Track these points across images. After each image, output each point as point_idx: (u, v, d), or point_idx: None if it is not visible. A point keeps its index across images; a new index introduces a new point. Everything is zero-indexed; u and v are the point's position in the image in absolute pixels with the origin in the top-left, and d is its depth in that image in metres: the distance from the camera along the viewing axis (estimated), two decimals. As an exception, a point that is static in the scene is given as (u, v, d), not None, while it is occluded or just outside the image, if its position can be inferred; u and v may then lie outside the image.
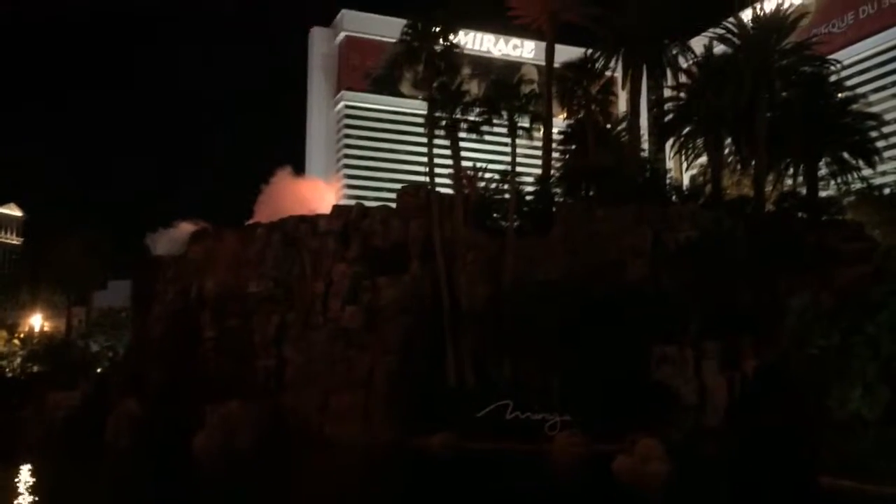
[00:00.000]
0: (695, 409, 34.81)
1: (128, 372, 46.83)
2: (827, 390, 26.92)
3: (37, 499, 25.68)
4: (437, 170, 45.12)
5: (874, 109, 68.24)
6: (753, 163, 49.78)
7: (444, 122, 44.37)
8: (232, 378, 41.47)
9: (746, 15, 57.12)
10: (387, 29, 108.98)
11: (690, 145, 54.04)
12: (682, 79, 55.79)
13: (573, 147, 58.00)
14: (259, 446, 37.15)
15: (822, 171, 52.38)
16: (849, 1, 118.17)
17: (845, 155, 51.48)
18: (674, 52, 55.09)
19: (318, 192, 66.36)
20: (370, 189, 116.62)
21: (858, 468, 24.68)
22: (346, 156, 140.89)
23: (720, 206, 47.10)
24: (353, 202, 54.84)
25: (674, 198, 50.02)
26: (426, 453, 35.33)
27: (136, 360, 47.12)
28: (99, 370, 57.91)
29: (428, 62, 44.58)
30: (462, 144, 45.25)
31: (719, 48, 54.33)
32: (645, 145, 62.77)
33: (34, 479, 30.13)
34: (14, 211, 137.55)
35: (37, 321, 72.35)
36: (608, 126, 59.18)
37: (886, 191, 58.29)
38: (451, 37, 45.00)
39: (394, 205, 47.99)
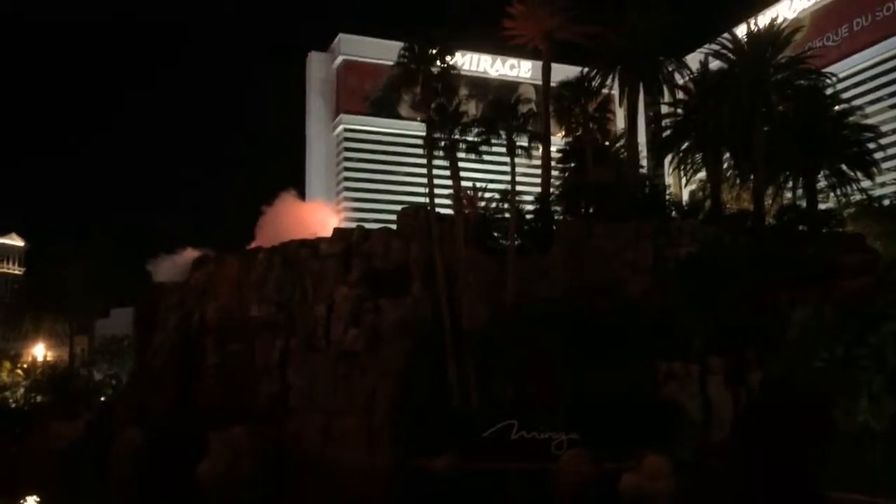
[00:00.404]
0: (701, 425, 34.71)
1: (131, 400, 46.54)
2: (833, 403, 26.81)
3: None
4: (437, 190, 45.12)
5: (871, 121, 68.37)
6: (752, 177, 49.96)
7: (442, 143, 44.41)
8: (235, 404, 41.19)
9: (741, 30, 57.59)
10: (384, 52, 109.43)
11: (689, 160, 54.31)
12: (679, 95, 56.11)
13: (572, 165, 58.10)
14: (263, 472, 36.86)
15: (822, 184, 52.55)
16: (843, 14, 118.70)
17: (844, 167, 51.70)
18: (670, 68, 55.38)
19: (319, 215, 66.45)
20: (371, 211, 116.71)
21: (868, 482, 24.46)
22: (346, 178, 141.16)
23: (720, 220, 47.20)
24: (353, 224, 54.75)
25: (674, 213, 50.10)
26: (431, 475, 34.99)
27: (139, 388, 46.86)
28: (102, 399, 57.70)
29: (425, 84, 44.77)
30: (461, 165, 45.32)
31: (715, 64, 54.72)
32: (643, 161, 63.00)
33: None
34: (16, 241, 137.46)
35: (40, 351, 72.26)
36: (606, 143, 59.41)
37: (886, 202, 58.38)
38: (448, 58, 45.18)
39: (394, 226, 47.97)
